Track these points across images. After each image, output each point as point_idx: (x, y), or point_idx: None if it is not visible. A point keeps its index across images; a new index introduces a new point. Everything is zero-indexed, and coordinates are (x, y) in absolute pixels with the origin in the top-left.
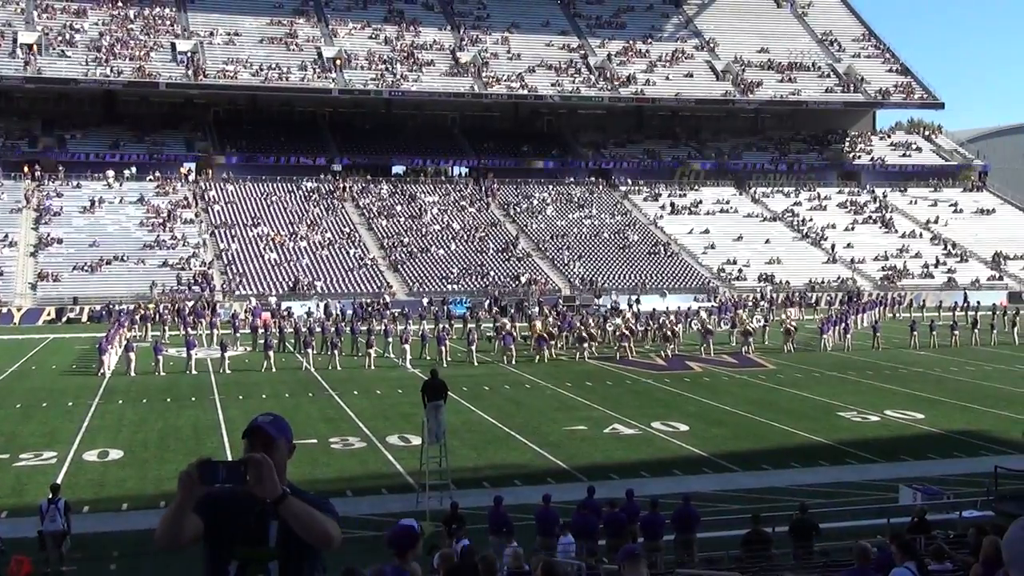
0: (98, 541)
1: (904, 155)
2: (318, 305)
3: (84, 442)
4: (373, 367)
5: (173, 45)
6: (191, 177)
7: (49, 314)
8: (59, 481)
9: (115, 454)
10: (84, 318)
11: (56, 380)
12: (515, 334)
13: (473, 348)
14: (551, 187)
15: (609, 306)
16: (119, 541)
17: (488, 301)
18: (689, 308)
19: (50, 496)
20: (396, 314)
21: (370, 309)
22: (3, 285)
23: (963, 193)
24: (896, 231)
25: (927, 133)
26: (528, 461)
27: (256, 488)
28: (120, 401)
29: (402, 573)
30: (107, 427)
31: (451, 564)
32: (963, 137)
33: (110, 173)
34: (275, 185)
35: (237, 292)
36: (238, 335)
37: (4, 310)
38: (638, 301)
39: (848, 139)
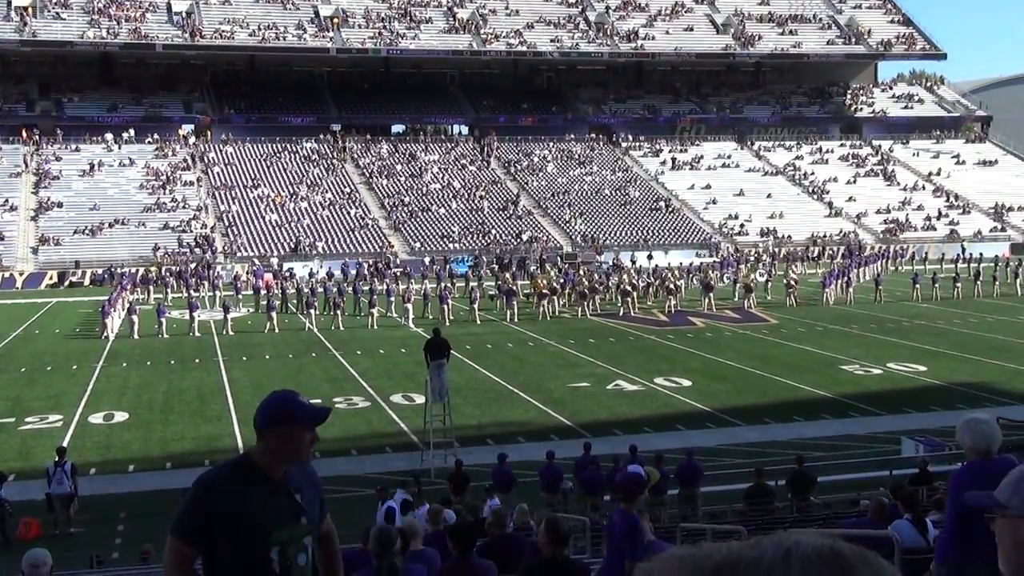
0: (105, 502)
1: (906, 107)
2: (320, 266)
3: (89, 405)
4: (376, 327)
5: (168, 5)
6: (190, 139)
7: (51, 278)
8: (65, 444)
9: (120, 416)
10: (86, 282)
11: (60, 344)
12: (517, 290)
13: (475, 306)
14: (551, 144)
15: (611, 263)
16: (126, 502)
17: (485, 257)
18: (691, 263)
19: (56, 459)
20: (398, 273)
21: (372, 269)
22: (5, 250)
23: (965, 144)
24: (898, 183)
25: (929, 84)
26: (532, 418)
27: None
28: (124, 364)
29: (628, 516)
30: (112, 390)
31: (457, 522)
32: (965, 88)
33: (108, 136)
34: (274, 146)
35: (238, 254)
36: (240, 296)
37: (7, 275)
38: (650, 257)
39: (849, 92)
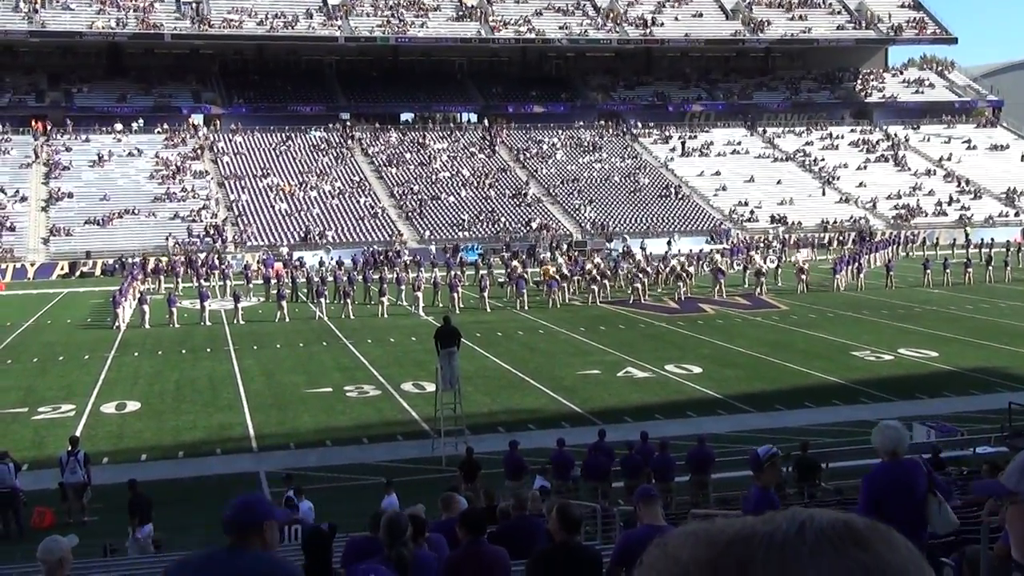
0: (118, 491)
1: (917, 92)
2: (330, 255)
3: (101, 395)
4: (386, 315)
5: None
6: (200, 129)
7: (62, 268)
8: (78, 433)
9: (132, 406)
10: (97, 272)
11: (72, 334)
12: (527, 278)
13: (485, 294)
14: (560, 131)
15: (620, 250)
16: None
17: (491, 249)
18: (701, 250)
19: (69, 448)
20: (408, 262)
21: (382, 257)
22: (16, 240)
23: (976, 129)
24: (909, 169)
25: (940, 69)
26: (542, 405)
27: None
28: (136, 353)
29: (758, 490)
30: (123, 379)
31: (468, 508)
32: (976, 72)
33: (118, 126)
34: (283, 135)
35: (249, 243)
36: (251, 286)
37: (18, 265)
38: (670, 244)
39: (860, 77)
